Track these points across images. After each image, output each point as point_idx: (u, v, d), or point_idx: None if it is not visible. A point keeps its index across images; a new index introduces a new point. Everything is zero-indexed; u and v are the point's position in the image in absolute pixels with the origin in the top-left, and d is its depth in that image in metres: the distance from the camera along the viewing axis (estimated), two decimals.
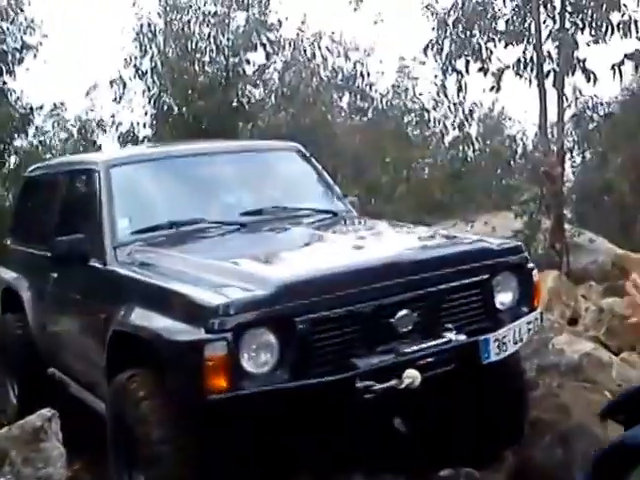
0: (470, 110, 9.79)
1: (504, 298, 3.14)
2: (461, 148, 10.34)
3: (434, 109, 10.67)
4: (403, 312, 2.78)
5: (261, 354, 2.55)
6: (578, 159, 20.14)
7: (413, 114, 11.49)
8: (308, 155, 4.29)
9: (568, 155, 20.36)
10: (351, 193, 11.91)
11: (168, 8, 16.69)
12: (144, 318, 2.88)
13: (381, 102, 14.63)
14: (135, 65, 17.67)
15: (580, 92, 17.41)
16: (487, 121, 23.01)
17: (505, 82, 9.20)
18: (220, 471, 2.71)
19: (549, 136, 9.07)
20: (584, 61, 8.77)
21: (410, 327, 2.81)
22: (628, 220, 17.15)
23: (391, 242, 3.54)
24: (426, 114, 10.92)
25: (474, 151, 10.48)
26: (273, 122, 14.50)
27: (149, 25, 16.97)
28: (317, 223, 3.66)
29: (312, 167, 4.22)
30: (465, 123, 10.19)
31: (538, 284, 3.28)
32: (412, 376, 2.64)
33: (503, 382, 3.30)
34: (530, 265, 3.24)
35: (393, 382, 2.61)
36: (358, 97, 17.53)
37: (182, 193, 3.79)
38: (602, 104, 10.26)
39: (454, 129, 10.48)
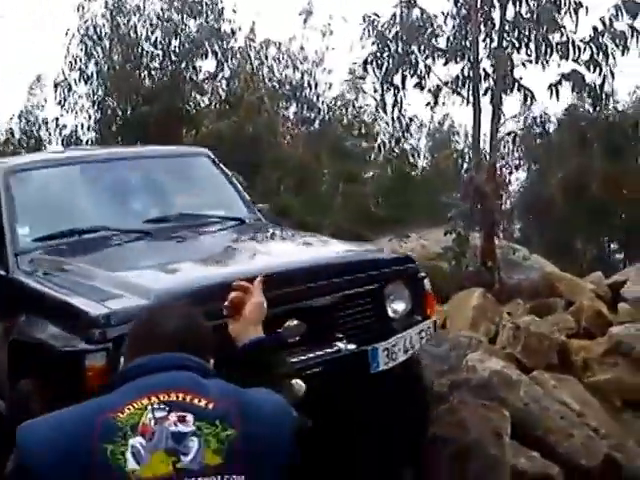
0: (407, 125, 9.85)
1: (396, 307, 3.16)
2: (399, 163, 10.38)
3: (373, 123, 10.70)
4: (290, 322, 2.73)
5: None
6: (522, 176, 20.62)
7: (353, 127, 11.53)
8: (217, 161, 4.23)
9: (513, 172, 20.78)
10: (290, 203, 11.99)
11: (114, 12, 16.52)
12: (37, 327, 2.90)
13: (327, 113, 14.71)
14: (80, 68, 17.43)
15: (529, 108, 17.83)
16: (436, 135, 23.34)
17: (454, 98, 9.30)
18: None
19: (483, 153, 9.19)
20: (520, 80, 8.91)
21: (298, 337, 2.76)
22: (566, 237, 17.57)
23: (284, 251, 3.50)
24: (365, 128, 10.95)
25: (412, 166, 10.54)
26: (215, 129, 14.42)
27: (94, 28, 16.76)
28: (221, 231, 3.61)
29: (222, 173, 4.17)
30: (402, 138, 10.24)
31: (430, 294, 3.28)
32: (297, 386, 2.59)
33: (401, 393, 3.29)
34: (421, 275, 3.26)
35: None
36: (305, 107, 17.65)
37: (86, 200, 3.70)
38: (542, 122, 10.45)
39: (392, 143, 10.52)
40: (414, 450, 3.56)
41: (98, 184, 3.68)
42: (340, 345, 2.83)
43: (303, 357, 2.74)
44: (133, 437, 1.26)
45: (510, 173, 20.51)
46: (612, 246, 18.82)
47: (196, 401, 1.30)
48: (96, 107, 17.81)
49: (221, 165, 4.21)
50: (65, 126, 18.31)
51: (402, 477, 3.57)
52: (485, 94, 9.29)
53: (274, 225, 3.97)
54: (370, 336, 2.97)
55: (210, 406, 1.31)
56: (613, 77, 8.68)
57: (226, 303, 1.80)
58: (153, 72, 17.80)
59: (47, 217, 3.62)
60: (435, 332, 3.36)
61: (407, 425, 3.38)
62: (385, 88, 9.37)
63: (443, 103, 9.43)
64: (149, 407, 1.30)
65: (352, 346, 2.86)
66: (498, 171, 9.26)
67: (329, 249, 3.57)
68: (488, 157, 9.38)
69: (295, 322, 2.75)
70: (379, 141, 10.68)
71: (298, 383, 2.59)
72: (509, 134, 9.66)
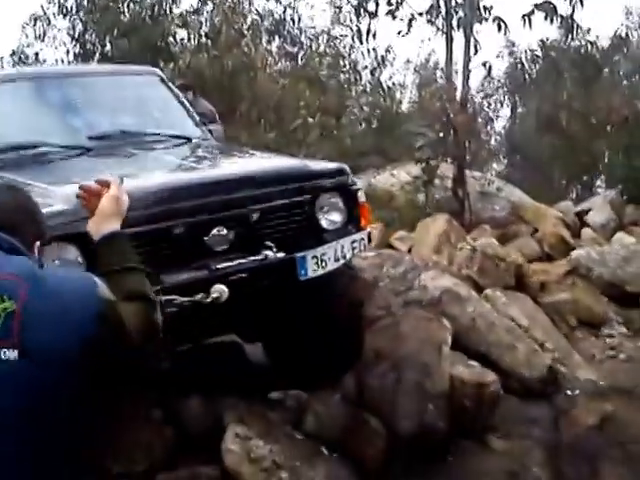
0: (382, 57, 9.74)
1: (329, 218, 3.21)
2: (376, 96, 10.31)
3: (349, 55, 10.60)
4: (217, 231, 2.80)
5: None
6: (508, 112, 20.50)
7: (329, 58, 11.41)
8: (167, 80, 4.22)
9: (497, 108, 20.61)
10: (267, 137, 11.94)
11: None
12: None
13: (310, 48, 14.48)
14: (59, 2, 17.01)
15: (513, 45, 17.55)
16: (421, 72, 23.06)
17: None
18: None
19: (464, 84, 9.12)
20: (490, 9, 8.81)
21: (226, 246, 2.84)
22: (547, 172, 17.61)
23: (217, 164, 3.54)
24: (341, 59, 10.83)
25: (386, 99, 10.47)
26: (195, 63, 14.21)
27: None
28: (163, 148, 3.62)
29: (171, 93, 4.16)
30: (378, 69, 10.16)
31: (364, 205, 3.34)
32: (219, 291, 2.70)
33: (332, 301, 3.40)
34: (355, 187, 3.30)
35: (198, 296, 2.66)
36: (288, 42, 17.33)
37: (28, 116, 3.69)
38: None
39: (370, 75, 10.44)
40: (350, 358, 3.69)
41: (41, 101, 3.66)
42: (268, 253, 2.91)
43: (228, 264, 2.82)
44: None
45: (494, 111, 20.36)
46: (597, 181, 18.89)
47: None
48: (75, 42, 17.47)
49: (171, 85, 4.21)
50: (45, 60, 18.01)
51: (339, 386, 3.71)
52: (459, 26, 9.17)
53: (222, 144, 4.00)
54: (301, 245, 3.05)
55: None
56: (582, 5, 8.60)
57: (77, 192, 1.80)
58: (132, 5, 17.40)
59: None
60: (369, 244, 3.40)
61: (342, 331, 3.49)
62: (359, 16, 9.25)
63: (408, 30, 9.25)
64: None
65: (281, 254, 2.94)
66: (471, 102, 9.21)
67: (262, 161, 3.61)
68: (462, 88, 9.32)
69: (222, 230, 2.82)
70: (354, 73, 10.59)
71: (221, 288, 2.70)
72: (483, 64, 9.56)
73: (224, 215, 2.85)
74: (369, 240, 3.35)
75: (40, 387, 1.28)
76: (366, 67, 10.42)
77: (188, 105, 4.23)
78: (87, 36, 17.47)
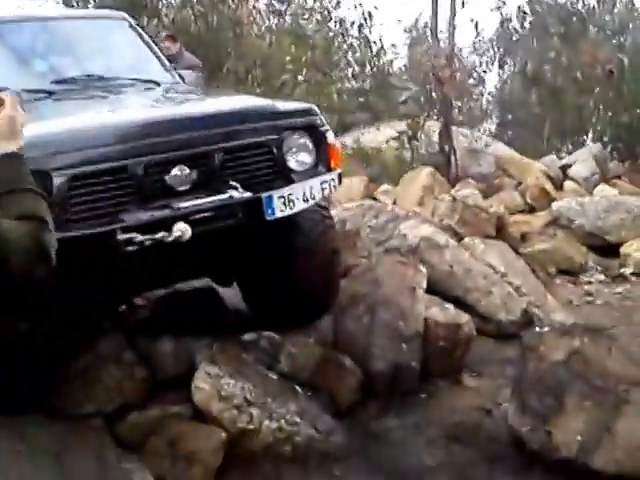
0: (369, 13, 9.60)
1: (298, 159, 3.16)
2: (365, 53, 10.19)
3: (335, 9, 10.43)
4: (178, 170, 2.77)
5: None
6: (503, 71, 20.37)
7: (316, 15, 11.24)
8: (136, 25, 4.15)
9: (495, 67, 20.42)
10: (254, 93, 11.85)
11: None
12: None
13: (297, 3, 14.22)
14: None
15: (504, 3, 17.31)
16: (413, 33, 22.80)
17: None
18: None
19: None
20: None
21: (188, 185, 2.82)
22: (539, 131, 17.57)
23: (183, 104, 3.49)
24: (327, 15, 10.68)
25: (373, 57, 10.34)
26: (179, 19, 14.00)
27: None
28: (129, 91, 3.57)
29: (140, 38, 4.09)
30: (364, 25, 10.01)
31: (333, 146, 3.30)
32: (181, 229, 2.67)
33: (304, 244, 3.42)
34: (324, 128, 3.26)
35: (159, 235, 2.64)
36: None
37: None
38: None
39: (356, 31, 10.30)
40: (325, 301, 3.73)
41: (6, 45, 3.61)
42: (233, 193, 2.87)
43: (191, 202, 2.78)
44: None
45: (486, 71, 20.16)
46: (586, 138, 18.84)
47: None
48: None
49: (140, 30, 4.14)
50: None
51: (315, 328, 3.74)
52: None
53: (193, 88, 3.94)
54: (269, 186, 3.01)
55: None
56: None
57: None
58: None
59: None
60: (339, 185, 3.37)
61: (311, 277, 3.50)
62: None
63: None
64: None
65: (247, 194, 2.91)
66: (457, 57, 9.13)
67: (229, 100, 3.56)
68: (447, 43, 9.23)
69: (184, 169, 2.79)
70: (341, 28, 10.44)
71: (183, 226, 2.68)
72: (471, 20, 9.47)
73: (185, 154, 2.80)
74: (339, 181, 3.31)
75: None
76: (353, 23, 10.27)
77: (158, 51, 4.16)
78: None
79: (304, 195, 3.08)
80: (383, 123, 9.92)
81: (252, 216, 2.89)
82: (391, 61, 12.51)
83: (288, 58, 10.69)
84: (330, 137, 3.27)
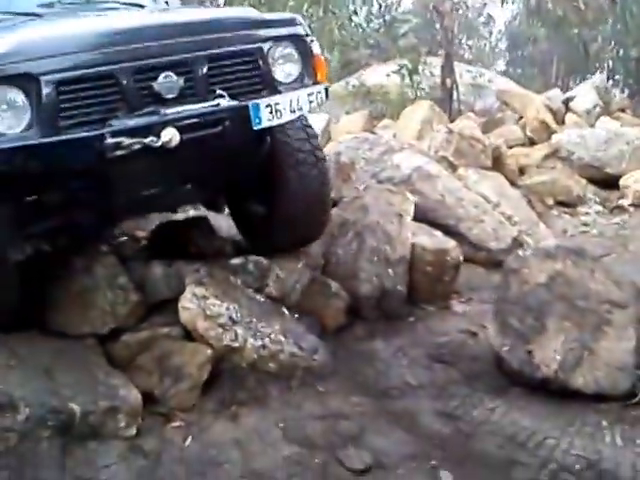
0: None
1: (283, 70, 3.15)
2: None
3: None
4: (165, 76, 2.78)
5: (9, 112, 2.57)
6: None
7: None
8: None
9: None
10: None
11: None
12: None
13: None
14: None
15: None
16: None
17: None
18: None
19: None
20: None
21: (176, 93, 2.82)
22: (547, 69, 17.29)
23: (167, 15, 3.47)
24: None
25: None
26: None
27: None
28: (112, 10, 3.54)
29: None
30: None
31: (319, 57, 3.27)
32: (170, 134, 2.70)
33: (293, 163, 3.46)
34: (310, 38, 3.24)
35: (148, 139, 2.67)
36: None
37: None
38: None
39: None
40: (315, 227, 3.77)
41: None
42: (220, 101, 2.88)
43: (179, 109, 2.79)
44: None
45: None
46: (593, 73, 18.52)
47: None
48: None
49: None
50: None
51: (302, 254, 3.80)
52: None
53: (176, 7, 3.90)
54: (256, 96, 3.01)
55: None
56: None
57: None
58: None
59: None
60: (326, 99, 3.37)
61: (304, 196, 3.54)
62: None
63: None
64: None
65: (233, 102, 2.91)
66: None
67: (215, 11, 3.54)
68: None
69: (171, 76, 2.78)
70: None
71: (171, 131, 2.72)
72: None
73: (171, 60, 2.80)
74: (326, 95, 3.32)
75: None
76: None
77: None
78: None
79: (291, 106, 3.07)
80: (386, 61, 9.77)
81: (239, 124, 2.90)
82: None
83: None
84: (316, 48, 3.25)
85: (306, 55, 3.20)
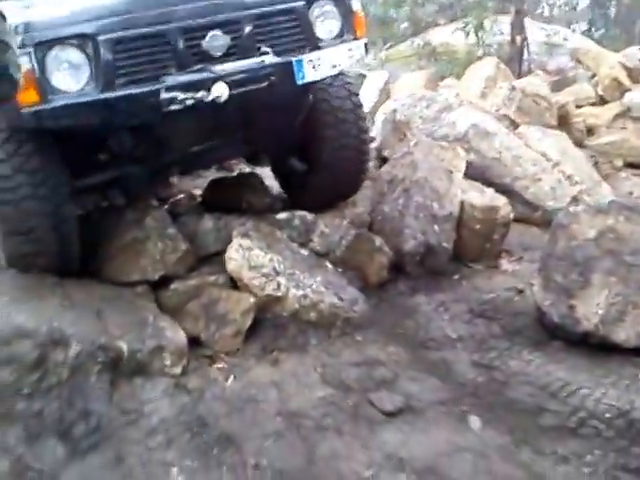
0: None
1: (324, 27, 3.23)
2: None
3: None
4: (212, 35, 2.91)
5: (69, 71, 2.74)
6: None
7: None
8: None
9: None
10: None
11: None
12: None
13: None
14: None
15: None
16: None
17: None
18: (59, 181, 3.01)
19: None
20: None
21: (223, 50, 2.95)
22: (628, 26, 16.46)
23: None
24: None
25: None
26: None
27: None
28: None
29: None
30: None
31: (359, 14, 3.32)
32: (220, 89, 2.84)
33: (333, 117, 3.56)
34: None
35: (199, 94, 2.81)
36: None
37: None
38: None
39: None
40: (353, 181, 3.83)
41: None
42: (265, 57, 3.01)
43: (227, 66, 2.93)
44: None
45: None
46: None
47: None
48: None
49: None
50: None
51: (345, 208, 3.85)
52: None
53: None
54: (298, 52, 3.12)
55: None
56: None
57: None
58: None
59: None
60: (365, 55, 3.40)
61: (345, 150, 3.61)
62: None
63: None
64: None
65: (278, 58, 3.03)
66: None
67: None
68: None
69: (218, 34, 2.92)
70: None
71: (222, 86, 2.84)
72: None
73: (217, 20, 2.93)
74: (366, 51, 3.37)
75: None
76: None
77: None
78: None
79: (332, 61, 3.17)
80: (453, 20, 9.56)
81: (284, 79, 3.02)
82: None
83: None
84: (356, 5, 3.30)
85: (346, 12, 3.26)
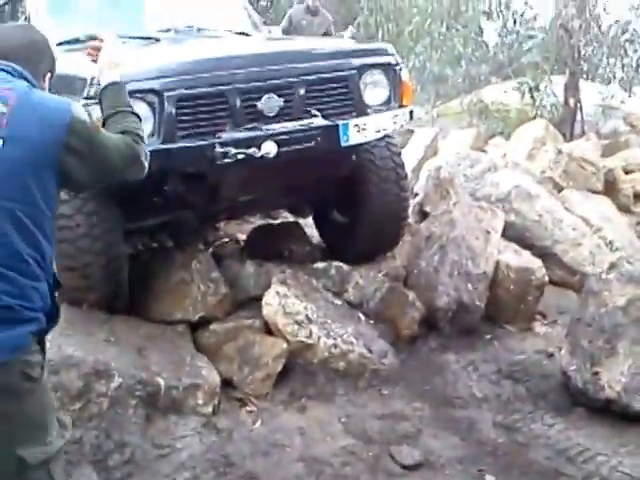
0: None
1: (373, 94, 3.42)
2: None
3: None
4: (268, 97, 3.13)
5: None
6: None
7: None
8: None
9: None
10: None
11: None
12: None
13: None
14: None
15: None
16: None
17: None
18: (113, 223, 3.24)
19: None
20: None
21: (276, 111, 3.16)
22: None
23: (272, 43, 3.84)
24: None
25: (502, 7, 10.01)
26: None
27: None
28: (219, 37, 3.94)
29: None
30: None
31: (406, 83, 3.51)
32: (269, 147, 3.05)
33: (375, 177, 3.73)
34: (399, 66, 3.47)
35: (250, 150, 3.02)
36: None
37: (105, 10, 4.05)
38: None
39: None
40: (392, 235, 3.97)
41: None
42: (314, 120, 3.21)
43: (278, 125, 3.14)
44: None
45: None
46: None
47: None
48: None
49: None
50: None
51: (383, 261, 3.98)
52: None
53: (280, 37, 4.25)
54: (346, 116, 3.30)
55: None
56: None
57: (87, 50, 2.23)
58: None
59: (72, 24, 3.91)
60: (410, 121, 3.58)
61: (385, 207, 3.76)
62: None
63: None
64: None
65: (325, 121, 3.23)
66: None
67: (314, 41, 3.83)
68: None
69: (273, 97, 3.14)
70: None
71: (270, 144, 3.05)
72: None
73: (274, 84, 3.16)
74: (411, 117, 3.55)
75: (16, 163, 1.66)
76: None
77: (253, 13, 4.51)
78: None
79: (377, 126, 3.35)
80: (507, 79, 9.68)
81: (330, 141, 3.22)
82: (522, 13, 12.05)
83: (415, 10, 10.65)
84: (404, 75, 3.49)
85: (394, 81, 3.46)
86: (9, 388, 1.65)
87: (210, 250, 4.21)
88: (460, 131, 7.62)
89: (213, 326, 3.44)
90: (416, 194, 6.04)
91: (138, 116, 1.99)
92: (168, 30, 3.91)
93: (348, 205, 3.86)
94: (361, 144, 3.41)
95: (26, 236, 1.68)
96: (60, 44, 3.60)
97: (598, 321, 3.20)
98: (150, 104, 2.97)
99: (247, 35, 4.11)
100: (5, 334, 1.64)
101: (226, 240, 4.57)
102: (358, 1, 14.66)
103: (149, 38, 3.76)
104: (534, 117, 8.27)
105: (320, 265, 3.76)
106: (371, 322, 3.60)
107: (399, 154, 3.88)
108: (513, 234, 4.47)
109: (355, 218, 3.84)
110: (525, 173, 5.35)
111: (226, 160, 3.01)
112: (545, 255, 4.53)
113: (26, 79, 1.81)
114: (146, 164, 1.92)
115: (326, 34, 7.87)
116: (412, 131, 7.23)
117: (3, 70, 1.80)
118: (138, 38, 3.77)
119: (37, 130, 1.68)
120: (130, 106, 1.99)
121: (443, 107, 9.86)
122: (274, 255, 3.96)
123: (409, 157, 7.15)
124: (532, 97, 8.29)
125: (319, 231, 4.21)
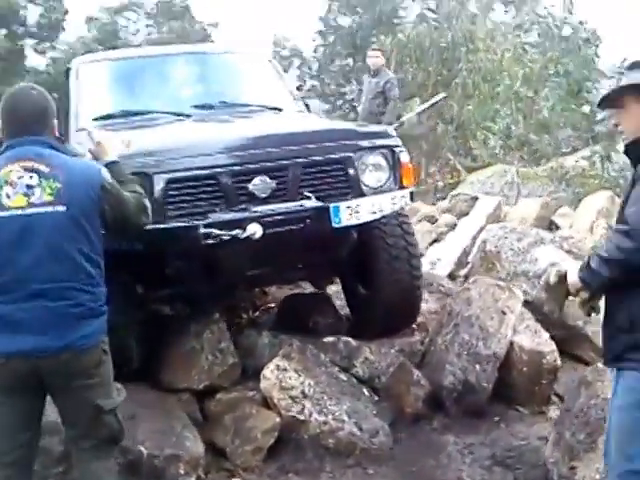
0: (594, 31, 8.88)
1: (371, 176, 3.48)
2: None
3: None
4: (260, 180, 3.26)
5: None
6: None
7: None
8: (272, 60, 4.78)
9: None
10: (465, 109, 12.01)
11: None
12: None
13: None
14: None
15: None
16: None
17: None
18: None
19: None
20: None
21: (268, 193, 3.28)
22: None
23: (275, 124, 3.95)
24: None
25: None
26: (414, 34, 14.51)
27: None
28: (253, 116, 4.11)
29: (275, 72, 4.68)
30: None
31: (407, 165, 3.55)
32: (254, 228, 3.13)
33: (385, 257, 3.79)
34: (399, 149, 3.52)
35: (234, 232, 3.13)
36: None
37: (142, 88, 4.36)
38: None
39: None
40: (405, 314, 3.99)
41: (155, 75, 4.33)
42: (305, 202, 3.28)
43: (266, 207, 3.23)
44: (5, 186, 2.37)
45: None
46: None
47: (41, 167, 2.39)
48: None
49: (276, 65, 4.73)
50: None
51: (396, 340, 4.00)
52: None
53: (309, 114, 4.40)
54: (341, 198, 3.37)
55: (47, 170, 2.39)
56: None
57: (90, 148, 2.80)
58: None
59: (107, 101, 4.27)
60: (411, 202, 3.64)
61: (395, 287, 3.78)
62: None
63: None
64: (14, 170, 2.38)
65: (317, 203, 3.29)
66: None
67: (313, 123, 3.99)
68: None
69: (265, 179, 3.25)
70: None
71: (255, 226, 3.16)
72: None
73: (267, 166, 3.28)
74: (411, 199, 3.59)
75: (76, 219, 2.40)
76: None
77: (288, 85, 4.70)
78: None
79: (372, 208, 3.41)
80: (581, 147, 9.41)
81: (320, 223, 3.29)
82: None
83: (505, 73, 10.61)
84: (404, 157, 3.55)
85: (394, 163, 3.52)
86: (96, 360, 2.46)
87: (252, 315, 4.40)
88: (526, 199, 7.52)
89: (219, 395, 3.62)
90: (467, 263, 6.01)
91: (137, 179, 2.76)
92: (202, 106, 4.11)
93: (365, 279, 3.93)
94: (357, 225, 3.46)
95: (91, 262, 2.45)
96: (95, 119, 3.95)
97: (585, 413, 3.10)
98: (141, 185, 3.03)
99: (279, 110, 4.24)
100: (95, 326, 2.45)
101: (272, 305, 4.74)
102: (458, 62, 14.83)
103: (181, 114, 4.01)
104: (610, 187, 7.99)
105: (329, 339, 3.85)
106: (376, 399, 3.63)
107: (412, 233, 3.93)
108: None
109: (371, 292, 3.91)
110: (571, 248, 5.22)
111: (209, 241, 3.11)
112: (577, 335, 4.42)
113: (51, 146, 2.45)
114: (150, 214, 2.66)
115: (383, 93, 8.09)
116: (476, 198, 7.19)
117: (36, 145, 2.41)
118: (170, 113, 4.02)
119: (84, 192, 2.43)
120: (126, 175, 2.69)
121: (526, 170, 9.70)
122: (300, 326, 4.11)
123: (470, 225, 7.10)
124: (602, 167, 8.01)
125: (347, 303, 4.30)
